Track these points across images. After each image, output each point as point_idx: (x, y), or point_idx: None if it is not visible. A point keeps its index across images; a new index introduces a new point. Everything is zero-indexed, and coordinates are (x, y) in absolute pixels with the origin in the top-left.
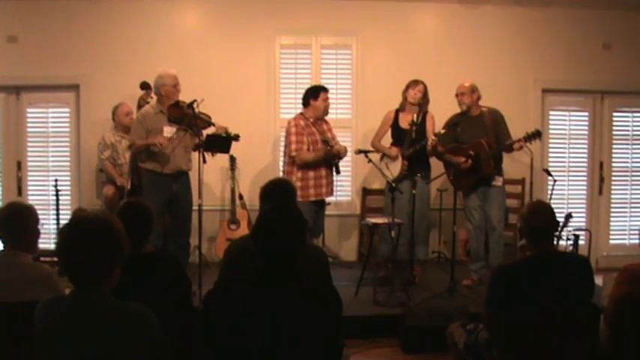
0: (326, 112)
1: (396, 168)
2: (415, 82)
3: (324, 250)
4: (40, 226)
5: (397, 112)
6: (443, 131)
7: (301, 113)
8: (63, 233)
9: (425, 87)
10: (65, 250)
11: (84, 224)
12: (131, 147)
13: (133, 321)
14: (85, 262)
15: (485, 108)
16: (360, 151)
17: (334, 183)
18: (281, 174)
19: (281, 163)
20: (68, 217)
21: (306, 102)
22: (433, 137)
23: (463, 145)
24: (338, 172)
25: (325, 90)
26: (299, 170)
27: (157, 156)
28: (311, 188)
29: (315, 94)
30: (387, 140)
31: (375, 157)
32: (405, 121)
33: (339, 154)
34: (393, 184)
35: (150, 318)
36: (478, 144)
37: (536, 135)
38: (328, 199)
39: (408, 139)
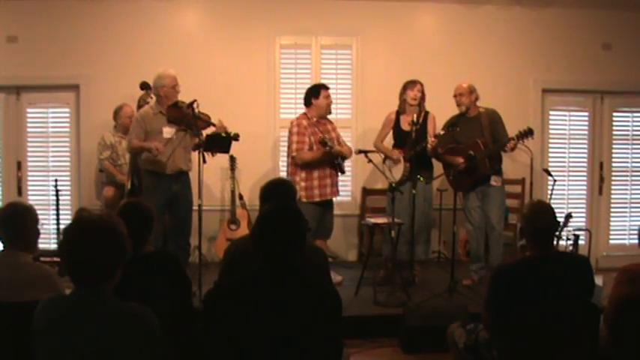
0: (329, 110)
1: (398, 170)
2: (413, 83)
3: (324, 251)
4: (40, 226)
5: (398, 114)
6: (442, 132)
7: (304, 113)
8: (66, 233)
9: (422, 86)
10: (68, 250)
11: (87, 225)
12: (127, 146)
13: (133, 321)
14: (87, 262)
15: (483, 109)
16: (360, 151)
17: (339, 183)
18: (282, 174)
19: (282, 164)
20: (68, 217)
21: (307, 102)
22: (433, 139)
23: (460, 145)
24: (342, 172)
25: (326, 87)
26: (302, 170)
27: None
28: (315, 189)
29: (315, 92)
30: (388, 142)
31: (376, 157)
32: (406, 123)
33: (342, 155)
34: (394, 185)
35: (150, 318)
36: (474, 144)
37: (529, 133)
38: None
39: (409, 140)
